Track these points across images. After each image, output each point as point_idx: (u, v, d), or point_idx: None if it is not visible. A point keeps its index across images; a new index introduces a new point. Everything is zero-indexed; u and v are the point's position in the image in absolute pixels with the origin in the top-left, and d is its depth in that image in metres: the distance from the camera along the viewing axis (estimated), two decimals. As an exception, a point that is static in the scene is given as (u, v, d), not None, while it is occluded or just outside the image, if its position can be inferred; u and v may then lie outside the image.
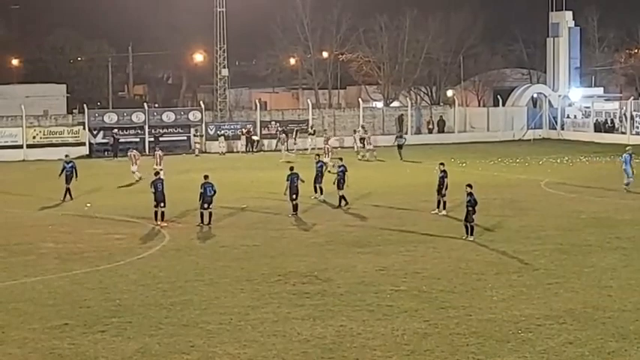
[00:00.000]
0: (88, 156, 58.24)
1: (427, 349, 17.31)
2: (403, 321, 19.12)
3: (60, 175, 38.55)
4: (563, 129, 71.10)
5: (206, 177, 31.74)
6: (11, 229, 31.15)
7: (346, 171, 35.62)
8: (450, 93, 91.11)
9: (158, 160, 43.27)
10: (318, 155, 39.81)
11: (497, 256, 25.87)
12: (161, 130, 61.61)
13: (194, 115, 64.10)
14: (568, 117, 72.28)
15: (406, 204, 35.96)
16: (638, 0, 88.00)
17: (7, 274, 24.17)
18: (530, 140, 68.48)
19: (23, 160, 57.41)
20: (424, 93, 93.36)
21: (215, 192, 31.27)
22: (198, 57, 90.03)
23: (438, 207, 33.33)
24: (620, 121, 67.64)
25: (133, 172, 44.22)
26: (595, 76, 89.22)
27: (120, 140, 59.11)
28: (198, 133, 61.85)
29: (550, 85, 76.33)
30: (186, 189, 36.91)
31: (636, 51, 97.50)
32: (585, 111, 71.26)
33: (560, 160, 53.76)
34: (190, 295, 21.56)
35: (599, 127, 68.94)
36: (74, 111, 72.63)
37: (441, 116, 72.91)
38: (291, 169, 34.14)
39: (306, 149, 59.27)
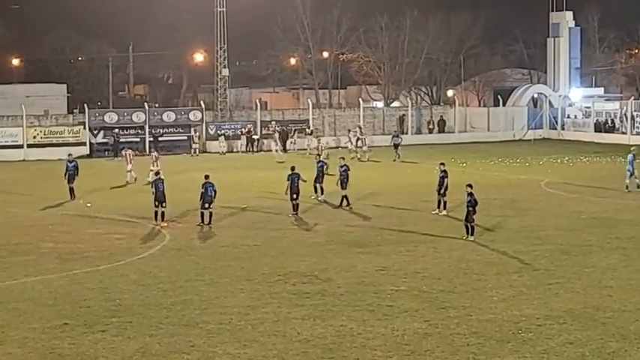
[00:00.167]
0: (89, 156, 58.21)
1: (427, 349, 17.31)
2: (403, 321, 19.12)
3: (65, 174, 38.60)
4: (563, 129, 71.12)
5: (207, 177, 31.73)
6: (11, 229, 31.15)
7: (349, 170, 35.68)
8: (450, 93, 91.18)
9: (154, 160, 43.29)
10: (319, 155, 39.82)
11: (498, 256, 25.87)
12: (161, 130, 61.59)
13: (194, 115, 64.10)
14: (568, 117, 72.32)
15: (406, 204, 35.96)
16: (639, 0, 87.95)
17: (7, 273, 24.16)
18: (530, 140, 68.47)
19: (23, 160, 57.41)
20: (424, 93, 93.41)
21: (216, 192, 31.28)
22: (199, 57, 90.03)
23: (439, 207, 33.32)
24: (621, 122, 67.65)
25: (128, 172, 44.20)
26: (595, 76, 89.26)
27: (120, 140, 59.12)
28: (197, 133, 61.85)
29: (550, 86, 76.35)
30: (186, 189, 36.90)
31: (636, 51, 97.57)
32: (586, 111, 71.31)
33: (561, 160, 53.76)
34: (191, 294, 21.56)
35: (599, 128, 68.95)
36: (75, 111, 72.54)
37: (442, 116, 72.90)
38: (292, 168, 34.11)
39: (305, 149, 59.25)
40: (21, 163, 55.82)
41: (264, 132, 64.16)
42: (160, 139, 60.40)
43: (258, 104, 68.56)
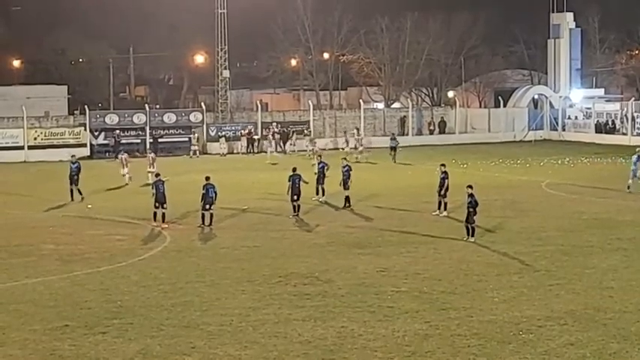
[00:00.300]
0: (89, 157, 58.18)
1: (428, 350, 17.31)
2: (404, 322, 19.11)
3: (69, 176, 38.61)
4: (564, 130, 71.14)
5: (207, 178, 31.72)
6: (12, 230, 31.15)
7: (351, 170, 35.68)
8: (451, 94, 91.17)
9: (151, 161, 43.27)
10: (320, 156, 39.81)
11: (499, 257, 25.86)
12: (161, 132, 61.61)
13: (195, 117, 64.12)
14: (569, 118, 72.36)
15: (407, 205, 35.95)
16: (639, 1, 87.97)
17: (7, 275, 24.16)
18: (531, 141, 68.47)
19: (24, 162, 57.43)
20: (425, 94, 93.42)
21: (217, 194, 31.28)
22: (200, 58, 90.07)
23: (439, 208, 33.32)
24: (622, 122, 67.67)
25: (123, 175, 44.16)
26: (596, 77, 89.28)
27: (121, 141, 59.12)
28: (195, 135, 61.83)
29: (551, 86, 76.37)
30: (187, 190, 36.89)
31: (637, 52, 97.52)
32: (586, 112, 71.34)
33: (562, 161, 53.76)
34: (191, 296, 21.55)
35: (600, 128, 68.97)
36: (75, 112, 72.61)
37: (442, 117, 72.95)
38: (294, 169, 34.07)
39: (305, 151, 59.24)
40: (22, 165, 55.85)
41: (264, 133, 64.19)
42: (160, 140, 60.39)
43: (259, 106, 68.57)
